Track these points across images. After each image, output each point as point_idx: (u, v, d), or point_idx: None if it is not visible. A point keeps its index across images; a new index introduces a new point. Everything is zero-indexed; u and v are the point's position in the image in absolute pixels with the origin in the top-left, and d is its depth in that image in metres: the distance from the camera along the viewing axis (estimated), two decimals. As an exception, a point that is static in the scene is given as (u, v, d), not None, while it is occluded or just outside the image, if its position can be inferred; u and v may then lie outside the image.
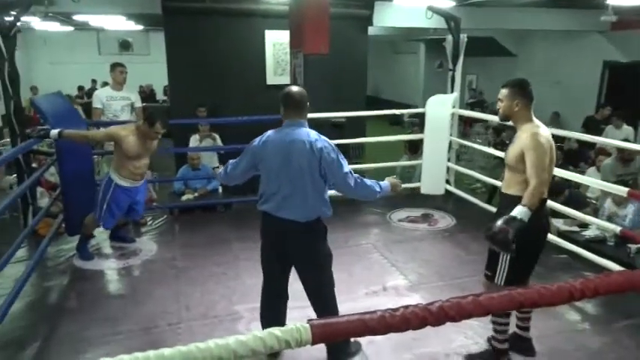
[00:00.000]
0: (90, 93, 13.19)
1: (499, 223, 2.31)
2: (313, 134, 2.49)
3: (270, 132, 2.58)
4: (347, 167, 2.48)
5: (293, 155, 2.44)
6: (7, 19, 4.29)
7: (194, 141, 5.95)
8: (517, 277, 2.54)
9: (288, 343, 1.04)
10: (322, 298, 2.65)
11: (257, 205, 2.61)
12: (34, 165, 5.08)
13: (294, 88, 2.61)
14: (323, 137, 2.52)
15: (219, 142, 5.92)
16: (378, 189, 2.57)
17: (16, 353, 2.90)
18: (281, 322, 2.70)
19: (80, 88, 13.36)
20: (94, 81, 13.58)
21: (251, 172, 2.66)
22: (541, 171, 2.38)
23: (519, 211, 2.32)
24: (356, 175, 2.52)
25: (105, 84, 5.89)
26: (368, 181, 2.55)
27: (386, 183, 2.64)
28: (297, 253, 2.58)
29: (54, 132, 3.73)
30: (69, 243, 4.40)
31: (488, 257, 2.63)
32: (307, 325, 1.07)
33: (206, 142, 5.91)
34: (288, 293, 2.75)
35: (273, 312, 2.74)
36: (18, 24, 4.36)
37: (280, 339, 1.03)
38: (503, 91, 2.57)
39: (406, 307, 1.14)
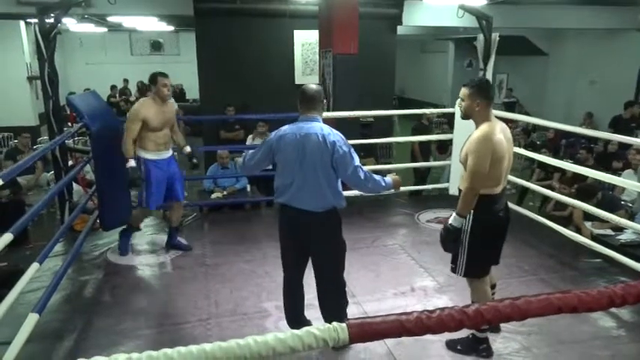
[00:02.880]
0: (123, 92, 13.53)
1: (442, 229, 2.64)
2: (326, 128, 2.60)
3: (285, 127, 2.69)
4: (357, 161, 2.58)
5: (307, 148, 2.55)
6: (47, 21, 4.44)
7: (250, 140, 6.14)
8: (476, 269, 2.72)
9: (326, 342, 1.05)
10: (335, 284, 2.77)
11: (274, 199, 2.75)
12: (70, 163, 5.23)
13: (309, 85, 2.74)
14: (335, 131, 2.62)
15: None
16: (383, 184, 2.67)
17: (54, 344, 3.00)
18: (300, 310, 2.86)
19: (113, 87, 13.69)
20: (126, 80, 13.91)
21: (265, 163, 2.78)
22: (475, 175, 2.51)
23: (452, 219, 2.59)
24: (365, 168, 2.62)
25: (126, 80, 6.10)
26: (376, 176, 2.65)
27: (389, 179, 2.72)
28: (314, 241, 2.70)
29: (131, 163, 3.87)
30: (104, 238, 4.53)
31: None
32: (344, 324, 1.08)
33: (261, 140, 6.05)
34: (303, 284, 2.87)
35: (294, 300, 2.87)
36: (58, 25, 4.50)
37: (318, 337, 1.05)
38: (464, 91, 2.63)
39: (442, 309, 1.14)
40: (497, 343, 2.92)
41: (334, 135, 2.57)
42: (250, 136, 6.22)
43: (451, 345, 2.87)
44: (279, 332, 1.06)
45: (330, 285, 2.77)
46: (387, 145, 7.48)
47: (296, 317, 2.87)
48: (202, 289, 3.66)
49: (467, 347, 2.83)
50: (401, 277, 3.84)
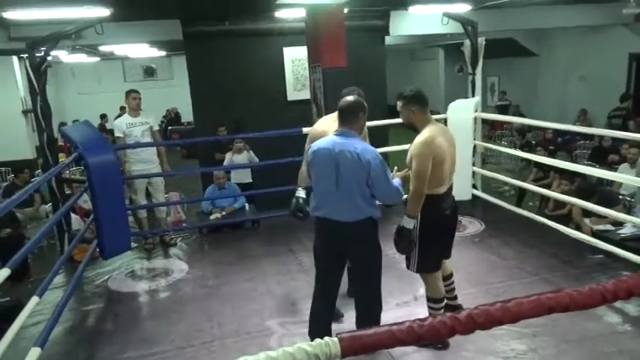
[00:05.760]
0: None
1: (395, 232, 2.78)
2: (359, 145, 2.60)
3: (321, 140, 2.72)
4: (390, 178, 2.68)
5: (341, 165, 2.58)
6: (37, 55, 4.49)
7: (228, 157, 6.11)
8: (428, 265, 2.88)
9: (318, 357, 1.05)
10: (371, 288, 2.79)
11: (310, 212, 2.84)
12: (68, 192, 5.24)
13: (347, 98, 2.74)
14: (370, 148, 2.63)
15: (252, 155, 6.06)
16: (402, 190, 2.80)
17: (58, 377, 2.99)
18: (326, 322, 2.84)
19: (103, 117, 13.60)
20: (122, 108, 13.93)
21: None
22: (420, 177, 2.68)
23: (403, 221, 2.74)
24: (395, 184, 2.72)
25: (122, 108, 6.16)
26: (400, 188, 2.78)
27: (399, 181, 2.84)
28: (351, 247, 2.74)
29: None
30: (104, 267, 4.52)
31: None
32: (336, 339, 1.08)
33: (242, 156, 6.03)
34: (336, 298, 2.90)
35: (324, 310, 2.87)
36: (48, 58, 4.55)
37: (310, 353, 1.05)
38: (399, 103, 2.84)
39: (434, 316, 1.14)
40: (503, 345, 2.90)
41: (369, 152, 2.58)
42: (228, 155, 6.12)
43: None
44: (270, 350, 1.05)
45: (365, 288, 2.80)
46: (382, 155, 7.51)
47: (320, 330, 2.70)
48: (205, 311, 3.65)
49: None
50: (404, 286, 3.81)
